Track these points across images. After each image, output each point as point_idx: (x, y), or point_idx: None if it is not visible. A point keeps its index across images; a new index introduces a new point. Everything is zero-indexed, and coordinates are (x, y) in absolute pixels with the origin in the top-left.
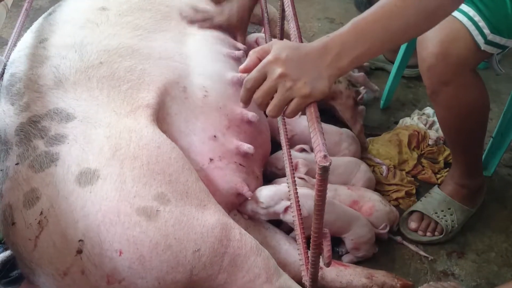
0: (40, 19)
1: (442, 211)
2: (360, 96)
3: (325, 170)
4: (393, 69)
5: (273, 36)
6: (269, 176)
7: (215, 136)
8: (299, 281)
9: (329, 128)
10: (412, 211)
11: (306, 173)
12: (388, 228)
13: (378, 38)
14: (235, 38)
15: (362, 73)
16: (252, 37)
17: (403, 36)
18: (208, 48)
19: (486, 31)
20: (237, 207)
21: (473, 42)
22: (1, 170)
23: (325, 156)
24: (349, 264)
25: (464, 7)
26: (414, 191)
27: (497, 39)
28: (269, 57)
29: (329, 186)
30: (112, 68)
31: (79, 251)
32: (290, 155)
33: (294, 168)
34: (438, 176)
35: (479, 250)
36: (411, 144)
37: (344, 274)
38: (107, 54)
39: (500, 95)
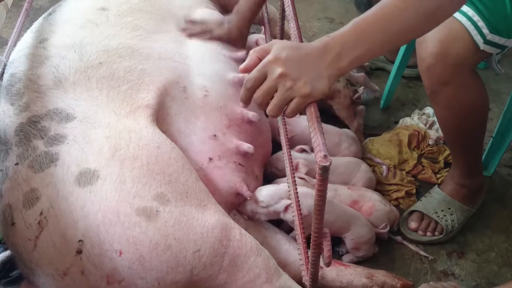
0: (40, 19)
1: (442, 211)
2: (356, 95)
3: (325, 170)
4: (393, 69)
5: (273, 36)
6: (269, 176)
7: (215, 136)
8: (299, 281)
9: (329, 128)
10: (412, 211)
11: (307, 173)
12: (388, 228)
13: (378, 39)
14: None
15: (362, 73)
16: (252, 38)
17: (403, 37)
18: (209, 48)
19: (485, 31)
20: (237, 207)
21: (472, 42)
22: (1, 170)
23: (325, 156)
24: (349, 264)
25: (463, 7)
26: (414, 191)
27: (496, 39)
28: (269, 57)
29: (329, 186)
30: (111, 68)
31: (79, 251)
32: (290, 155)
33: (295, 169)
34: (438, 176)
35: (479, 250)
36: (411, 144)
37: (344, 274)
38: (106, 54)
39: (500, 95)
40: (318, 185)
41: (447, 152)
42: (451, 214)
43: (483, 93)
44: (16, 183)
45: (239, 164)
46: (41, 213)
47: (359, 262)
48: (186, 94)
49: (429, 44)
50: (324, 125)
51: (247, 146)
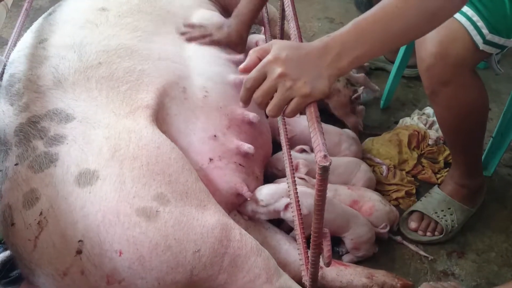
0: (40, 19)
1: (442, 211)
2: (355, 95)
3: (325, 170)
4: (393, 69)
5: (273, 36)
6: (270, 177)
7: (215, 136)
8: (299, 281)
9: (329, 128)
10: (412, 211)
11: (307, 174)
12: (388, 228)
13: (378, 39)
14: None
15: (362, 74)
16: (252, 38)
17: (403, 37)
18: (209, 50)
19: (485, 31)
20: (237, 207)
21: (471, 42)
22: (1, 171)
23: (325, 156)
24: (349, 264)
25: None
26: (414, 191)
27: (495, 39)
28: (269, 57)
29: (329, 186)
30: (111, 69)
31: (79, 252)
32: (290, 155)
33: (295, 169)
34: (438, 176)
35: (479, 250)
36: (411, 144)
37: (344, 274)
38: (106, 54)
39: (500, 95)
40: (318, 185)
41: (447, 152)
42: (451, 214)
43: (483, 93)
44: (15, 184)
45: (240, 164)
46: (40, 214)
47: (359, 262)
48: (185, 94)
49: (429, 44)
50: (324, 125)
51: (247, 147)
